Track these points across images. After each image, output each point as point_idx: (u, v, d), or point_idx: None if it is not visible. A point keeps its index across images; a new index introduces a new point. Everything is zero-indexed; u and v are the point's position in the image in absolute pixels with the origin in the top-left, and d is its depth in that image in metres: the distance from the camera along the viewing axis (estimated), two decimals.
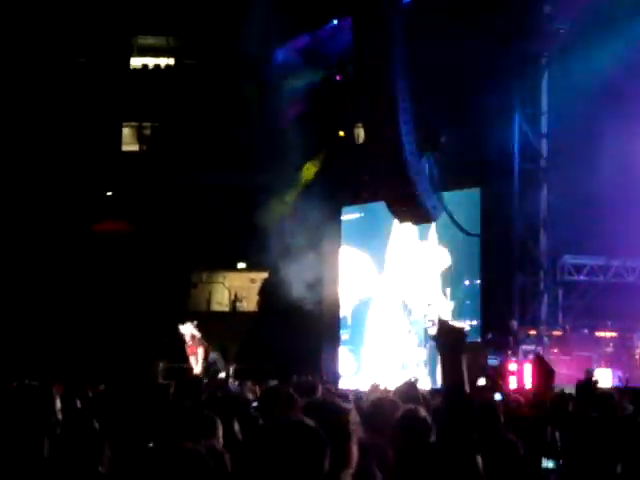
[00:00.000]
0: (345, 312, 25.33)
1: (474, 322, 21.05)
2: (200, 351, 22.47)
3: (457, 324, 4.08)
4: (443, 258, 22.10)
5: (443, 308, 21.11)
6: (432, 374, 20.13)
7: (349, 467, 3.50)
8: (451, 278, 21.84)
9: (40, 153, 35.02)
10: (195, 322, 22.91)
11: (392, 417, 5.74)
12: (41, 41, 35.21)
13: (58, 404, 5.69)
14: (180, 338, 22.73)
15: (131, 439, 6.43)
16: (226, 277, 38.84)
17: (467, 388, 3.92)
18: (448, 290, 21.69)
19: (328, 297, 26.42)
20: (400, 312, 23.04)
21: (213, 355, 23.05)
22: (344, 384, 23.65)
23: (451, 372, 3.91)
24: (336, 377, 24.81)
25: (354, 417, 3.57)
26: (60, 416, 5.56)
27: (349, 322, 25.13)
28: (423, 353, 21.49)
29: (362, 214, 25.22)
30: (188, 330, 22.66)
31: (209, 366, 22.63)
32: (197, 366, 22.30)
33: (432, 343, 20.96)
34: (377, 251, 24.32)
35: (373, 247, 24.48)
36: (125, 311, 31.78)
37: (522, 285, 21.77)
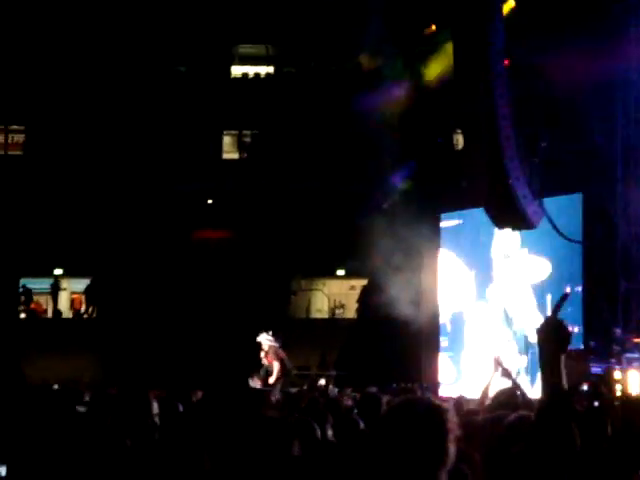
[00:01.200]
0: (444, 319, 25.18)
1: (576, 329, 20.77)
2: (276, 365, 22.19)
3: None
4: (543, 267, 21.77)
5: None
6: (532, 382, 19.89)
7: (446, 465, 3.47)
8: (551, 285, 21.54)
9: (142, 161, 35.56)
10: (270, 332, 22.69)
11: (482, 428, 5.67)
12: (143, 50, 35.76)
13: (155, 408, 5.76)
14: (259, 347, 22.53)
15: (231, 445, 6.46)
16: (325, 284, 38.94)
17: (565, 386, 3.85)
18: (549, 297, 21.39)
19: (427, 304, 26.28)
20: (501, 320, 22.79)
21: (290, 366, 22.73)
22: (444, 392, 23.51)
23: (551, 368, 3.85)
24: (436, 385, 24.68)
25: (452, 417, 3.52)
26: (157, 420, 5.63)
27: (448, 329, 24.98)
28: (524, 360, 21.23)
29: (461, 220, 25.04)
30: (264, 340, 22.47)
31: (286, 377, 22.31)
32: (272, 377, 22.06)
33: (533, 350, 20.84)
34: (477, 258, 24.13)
35: (473, 254, 24.29)
36: (225, 319, 32.05)
37: (626, 292, 21.38)
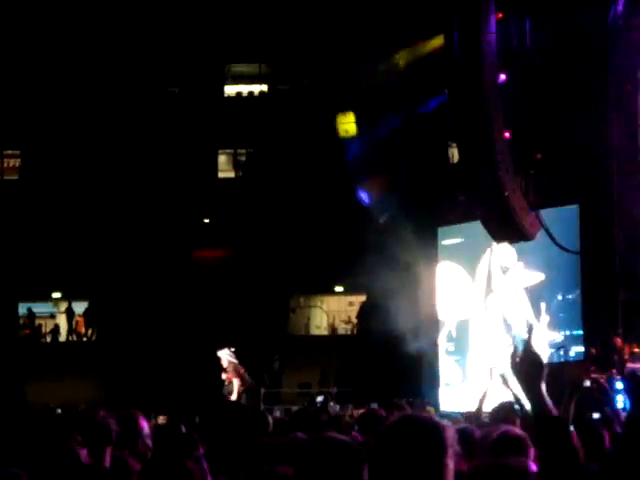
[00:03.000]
0: (450, 326, 25.38)
1: (567, 332, 21.15)
2: (236, 382, 21.98)
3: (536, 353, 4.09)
4: (538, 277, 22.06)
5: (538, 325, 21.29)
6: None
7: None
8: (546, 292, 21.95)
9: (138, 182, 35.59)
10: (232, 348, 22.53)
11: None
12: (136, 72, 35.84)
13: (146, 430, 5.78)
14: (219, 364, 22.33)
15: (231, 466, 6.46)
16: (324, 301, 38.94)
17: (553, 411, 3.90)
18: (543, 304, 21.82)
19: (426, 317, 26.27)
20: (501, 327, 23.09)
21: (250, 382, 22.43)
22: (451, 392, 23.98)
23: (532, 397, 3.92)
24: (436, 399, 24.69)
25: (451, 433, 3.52)
26: (149, 442, 5.64)
27: (454, 335, 25.21)
28: None
29: (462, 239, 25.07)
30: (224, 355, 22.31)
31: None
32: (234, 394, 21.84)
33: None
34: (477, 270, 24.33)
35: (472, 266, 24.48)
36: (225, 337, 32.01)
37: (626, 301, 21.39)
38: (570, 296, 21.54)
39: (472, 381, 23.33)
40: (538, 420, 3.84)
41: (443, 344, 25.47)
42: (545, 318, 21.64)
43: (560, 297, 21.68)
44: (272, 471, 4.53)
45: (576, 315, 21.57)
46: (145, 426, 6.46)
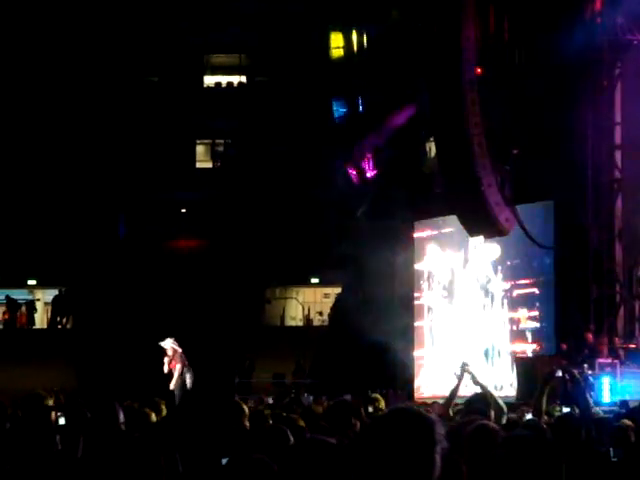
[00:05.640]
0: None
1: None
2: (178, 367, 22.34)
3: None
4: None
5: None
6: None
7: (433, 477, 3.44)
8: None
9: (115, 170, 35.52)
10: (173, 338, 22.87)
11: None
12: (115, 61, 35.75)
13: (122, 417, 5.85)
14: (163, 353, 22.69)
15: (204, 454, 6.52)
16: (299, 292, 38.97)
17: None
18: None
19: (402, 309, 26.34)
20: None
21: (188, 372, 22.69)
22: (425, 379, 24.57)
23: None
24: (411, 390, 24.78)
25: (440, 428, 3.51)
26: (124, 427, 5.70)
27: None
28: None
29: (438, 232, 25.24)
30: (168, 345, 22.63)
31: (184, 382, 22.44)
32: (173, 381, 22.20)
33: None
34: (455, 248, 24.76)
35: (451, 245, 24.93)
36: (200, 327, 32.02)
37: (598, 297, 21.56)
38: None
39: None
40: None
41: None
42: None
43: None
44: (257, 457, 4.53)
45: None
46: (121, 414, 6.54)
